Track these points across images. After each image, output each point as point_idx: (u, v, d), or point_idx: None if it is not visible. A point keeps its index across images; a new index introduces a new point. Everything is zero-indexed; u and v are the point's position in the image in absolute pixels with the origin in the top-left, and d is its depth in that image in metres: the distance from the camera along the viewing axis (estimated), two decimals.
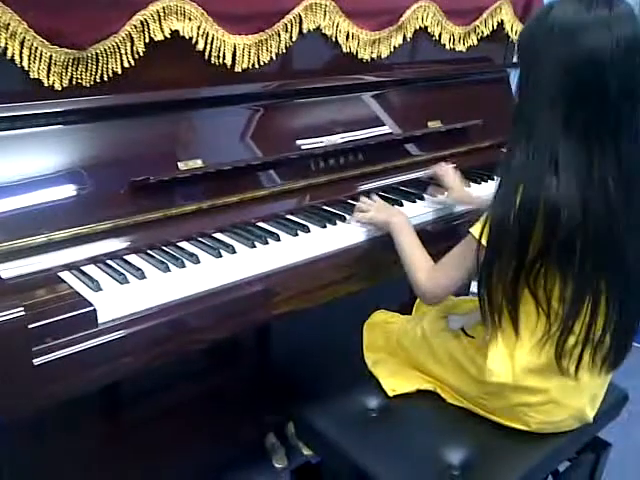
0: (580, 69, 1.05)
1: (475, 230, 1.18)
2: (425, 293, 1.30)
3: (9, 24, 1.12)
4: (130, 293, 1.12)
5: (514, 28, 2.03)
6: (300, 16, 1.51)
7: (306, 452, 1.51)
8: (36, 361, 0.98)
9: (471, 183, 1.79)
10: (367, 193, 1.59)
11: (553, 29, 1.07)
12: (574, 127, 1.07)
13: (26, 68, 1.17)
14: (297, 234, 1.39)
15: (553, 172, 1.06)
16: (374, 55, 1.71)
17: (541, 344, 1.19)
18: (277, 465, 1.73)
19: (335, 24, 1.59)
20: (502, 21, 1.99)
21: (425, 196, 1.65)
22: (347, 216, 1.49)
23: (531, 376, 1.21)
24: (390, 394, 1.36)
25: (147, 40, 1.28)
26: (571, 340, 1.17)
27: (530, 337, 1.20)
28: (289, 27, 1.50)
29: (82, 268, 1.18)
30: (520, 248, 1.11)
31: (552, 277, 1.14)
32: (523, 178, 1.09)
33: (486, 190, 1.73)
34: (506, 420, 1.28)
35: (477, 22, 1.93)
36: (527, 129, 1.11)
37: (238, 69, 1.45)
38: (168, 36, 1.30)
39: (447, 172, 1.67)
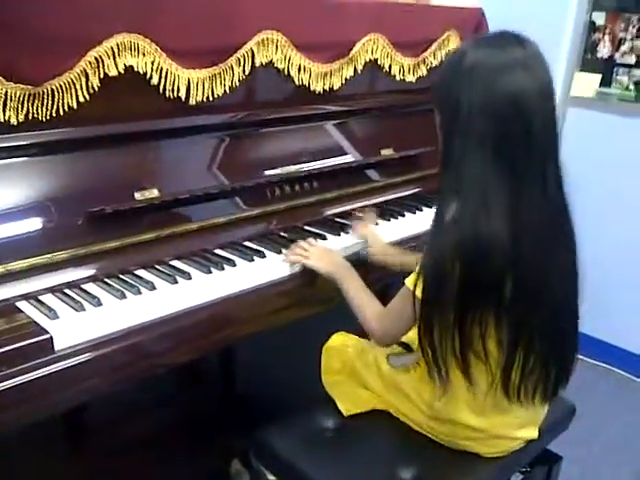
0: (504, 109, 1.06)
1: (409, 282, 1.19)
2: (379, 340, 1.33)
3: None
4: (86, 320, 1.15)
5: None
6: (252, 50, 1.56)
7: (270, 477, 1.52)
8: None
9: (424, 208, 1.86)
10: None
11: (472, 74, 1.08)
12: (503, 167, 1.07)
13: None
14: (253, 260, 1.43)
15: (485, 214, 1.07)
16: (326, 87, 1.78)
17: (486, 389, 1.22)
18: None
19: (287, 58, 1.64)
20: (450, 52, 2.08)
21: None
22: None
23: (471, 415, 1.25)
24: (345, 414, 1.40)
25: (102, 76, 1.32)
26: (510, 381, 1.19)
27: (477, 383, 1.22)
28: (242, 61, 1.55)
29: (39, 297, 1.20)
30: (458, 295, 1.11)
31: (487, 322, 1.14)
32: (456, 224, 1.09)
33: None
34: (453, 447, 1.31)
35: (426, 54, 2.02)
36: (456, 172, 1.11)
37: (192, 102, 1.49)
38: (122, 71, 1.35)
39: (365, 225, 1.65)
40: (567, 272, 1.18)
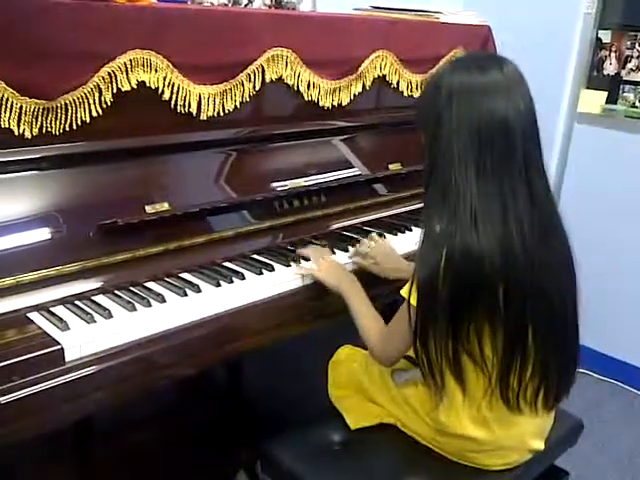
0: (484, 128, 1.10)
1: (404, 291, 1.21)
2: (379, 357, 1.33)
3: None
4: (97, 332, 1.16)
5: None
6: (263, 67, 1.59)
7: None
8: (3, 399, 1.00)
9: None
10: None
11: (452, 96, 1.12)
12: (487, 177, 1.11)
13: None
14: (262, 273, 1.44)
15: (473, 225, 1.09)
16: (335, 102, 1.80)
17: (482, 397, 1.22)
18: None
19: (296, 74, 1.67)
20: None
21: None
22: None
23: (475, 428, 1.25)
24: (352, 427, 1.40)
25: (115, 91, 1.34)
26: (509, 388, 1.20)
27: (472, 391, 1.23)
28: (252, 77, 1.57)
29: (51, 309, 1.21)
30: (450, 306, 1.13)
31: (482, 330, 1.16)
32: (444, 236, 1.12)
33: None
34: (460, 460, 1.31)
35: (434, 70, 2.03)
36: (442, 187, 1.14)
37: (203, 117, 1.52)
38: (135, 87, 1.37)
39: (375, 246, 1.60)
40: (563, 276, 1.20)
